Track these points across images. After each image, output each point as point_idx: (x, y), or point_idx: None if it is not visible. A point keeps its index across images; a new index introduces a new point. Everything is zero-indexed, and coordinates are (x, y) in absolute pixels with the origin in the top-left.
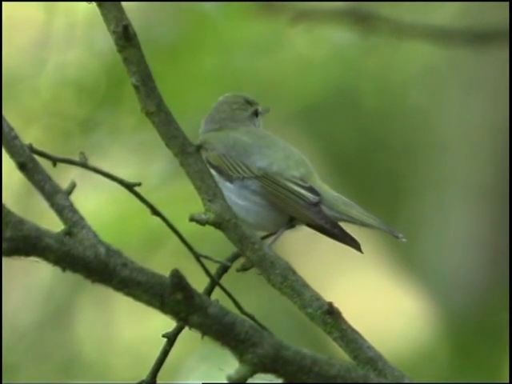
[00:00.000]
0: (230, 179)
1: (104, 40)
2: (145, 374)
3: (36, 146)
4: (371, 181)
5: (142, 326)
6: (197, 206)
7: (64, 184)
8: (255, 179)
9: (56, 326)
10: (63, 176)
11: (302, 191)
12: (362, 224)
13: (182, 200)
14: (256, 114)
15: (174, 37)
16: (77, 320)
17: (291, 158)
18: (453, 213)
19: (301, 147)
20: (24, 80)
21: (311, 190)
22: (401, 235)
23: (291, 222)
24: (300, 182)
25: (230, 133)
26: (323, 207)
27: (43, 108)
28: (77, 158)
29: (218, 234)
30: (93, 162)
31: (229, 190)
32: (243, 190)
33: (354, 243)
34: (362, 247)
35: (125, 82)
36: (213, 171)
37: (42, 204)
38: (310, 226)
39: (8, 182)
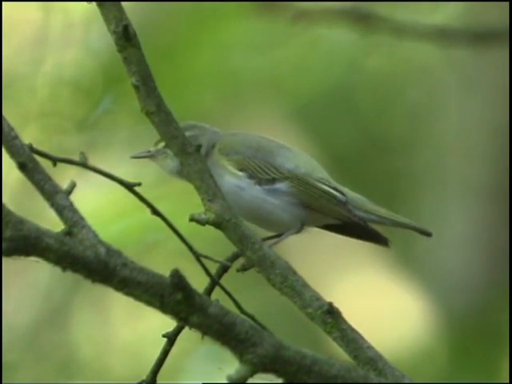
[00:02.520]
0: (259, 182)
1: (101, 39)
2: (143, 374)
3: (33, 145)
4: (370, 180)
5: (139, 326)
6: (197, 206)
7: (62, 184)
8: (286, 180)
9: (54, 325)
10: (60, 175)
11: (332, 191)
12: (392, 223)
13: (181, 199)
14: None
15: (172, 35)
16: (74, 320)
17: (312, 161)
18: (452, 212)
19: (299, 146)
20: (21, 79)
21: (337, 190)
22: (430, 232)
23: (301, 227)
24: (327, 183)
25: (247, 136)
26: (351, 207)
27: (40, 107)
28: (75, 158)
29: (218, 233)
30: (90, 161)
31: (257, 191)
32: (274, 191)
33: (381, 239)
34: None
35: (122, 81)
36: (239, 173)
37: (40, 204)
38: (325, 225)
39: (5, 182)
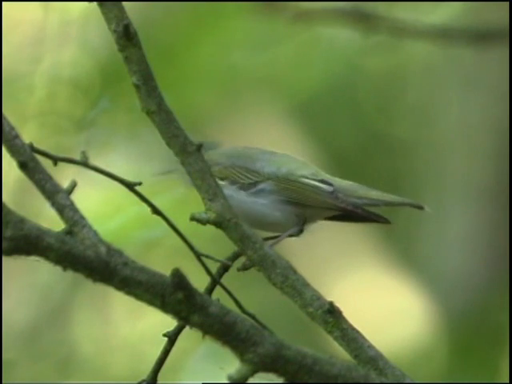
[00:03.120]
0: (242, 187)
1: (99, 38)
2: (143, 373)
3: (34, 144)
4: (370, 179)
5: (140, 325)
6: (196, 205)
7: (62, 182)
8: (268, 180)
9: (54, 324)
10: (60, 174)
11: (316, 183)
12: (385, 203)
13: (180, 198)
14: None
15: (171, 34)
16: (75, 319)
17: (297, 161)
18: (452, 212)
19: (298, 144)
20: (19, 78)
21: (324, 181)
22: (426, 207)
23: (302, 225)
24: (311, 177)
25: (231, 148)
26: (340, 195)
27: (38, 106)
28: (72, 157)
29: (219, 232)
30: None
31: (243, 195)
32: (259, 193)
33: (380, 218)
34: (367, 235)
35: (120, 79)
36: (222, 183)
37: (40, 203)
38: (327, 218)
39: (5, 181)
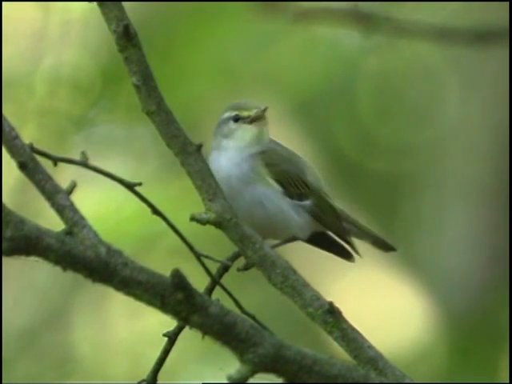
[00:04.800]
0: (289, 194)
1: (99, 38)
2: (143, 373)
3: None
4: (369, 180)
5: (140, 325)
6: (196, 204)
7: (62, 182)
8: (311, 196)
9: (53, 325)
10: (59, 174)
11: (335, 206)
12: (365, 234)
13: (181, 198)
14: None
15: (171, 33)
16: (74, 319)
17: (318, 172)
18: (452, 212)
19: (297, 145)
20: (19, 78)
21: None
22: (395, 248)
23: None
24: (330, 196)
25: (286, 149)
26: (344, 224)
27: (38, 106)
28: (72, 157)
29: (219, 233)
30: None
31: (285, 203)
32: (299, 207)
33: (348, 254)
34: (359, 251)
35: (120, 79)
36: (275, 185)
37: (40, 203)
38: (311, 242)
39: (5, 182)
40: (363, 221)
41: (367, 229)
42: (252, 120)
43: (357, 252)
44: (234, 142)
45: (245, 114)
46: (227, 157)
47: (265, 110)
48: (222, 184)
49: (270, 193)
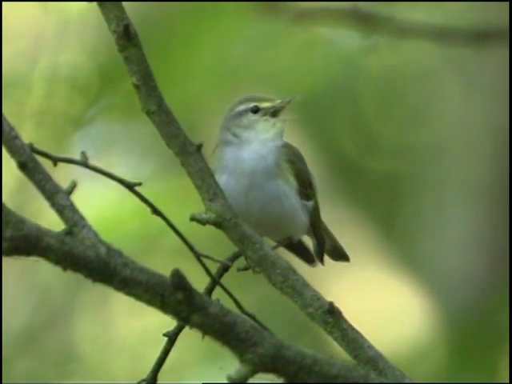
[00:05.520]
0: (300, 192)
1: (97, 37)
2: (143, 373)
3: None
4: (370, 180)
5: (140, 325)
6: (196, 204)
7: (62, 182)
8: (312, 197)
9: (54, 324)
10: (59, 174)
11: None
12: (328, 238)
13: (181, 198)
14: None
15: (171, 32)
16: (75, 319)
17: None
18: (452, 212)
19: (297, 145)
20: (17, 78)
21: None
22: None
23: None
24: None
25: (290, 145)
26: None
27: (37, 106)
28: (72, 157)
29: (219, 233)
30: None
31: (296, 200)
32: (305, 207)
33: (311, 258)
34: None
35: (118, 79)
36: (294, 182)
37: (40, 203)
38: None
39: (5, 182)
40: (363, 221)
41: (332, 235)
42: (276, 111)
43: (321, 259)
44: (256, 134)
45: (266, 104)
46: (251, 149)
47: (289, 102)
48: (244, 176)
49: (289, 190)
